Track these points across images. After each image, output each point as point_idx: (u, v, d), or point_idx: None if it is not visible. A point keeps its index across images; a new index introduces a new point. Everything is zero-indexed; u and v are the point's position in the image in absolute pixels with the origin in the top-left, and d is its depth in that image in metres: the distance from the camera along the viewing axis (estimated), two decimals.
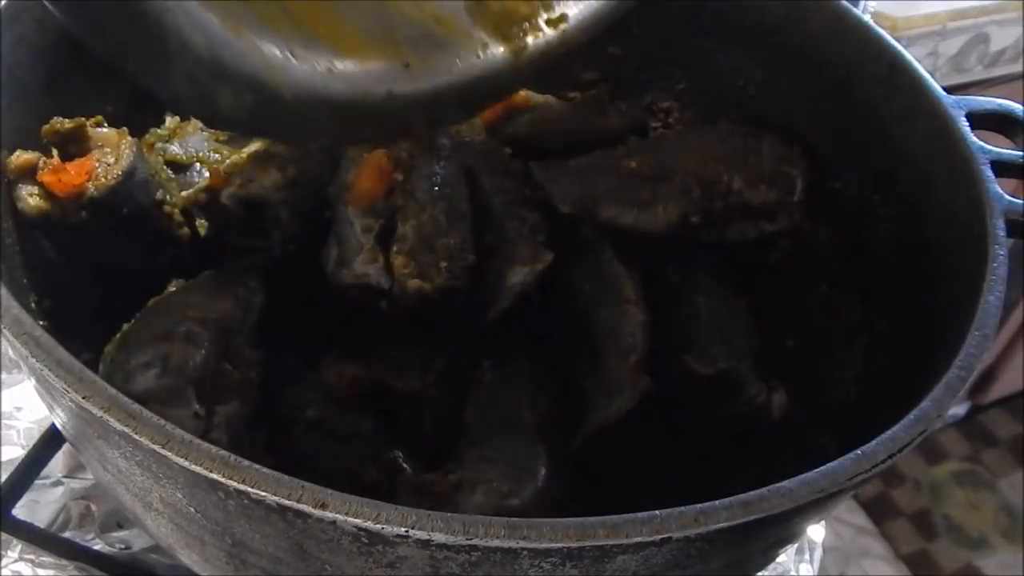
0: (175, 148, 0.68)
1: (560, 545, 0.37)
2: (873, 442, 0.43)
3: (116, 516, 0.68)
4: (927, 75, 0.63)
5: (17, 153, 0.56)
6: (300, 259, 0.64)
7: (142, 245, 0.61)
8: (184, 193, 0.64)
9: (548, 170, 0.68)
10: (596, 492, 0.57)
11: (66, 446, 0.70)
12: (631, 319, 0.62)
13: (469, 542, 0.36)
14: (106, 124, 0.60)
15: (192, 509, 0.42)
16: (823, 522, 0.79)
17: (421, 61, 0.50)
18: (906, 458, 0.44)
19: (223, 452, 0.38)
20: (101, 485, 0.63)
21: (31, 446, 0.70)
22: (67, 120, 0.57)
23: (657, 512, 0.38)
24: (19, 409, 0.75)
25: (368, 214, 0.60)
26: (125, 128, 0.61)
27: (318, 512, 0.36)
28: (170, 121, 0.70)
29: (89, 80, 0.64)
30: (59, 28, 0.61)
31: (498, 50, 0.52)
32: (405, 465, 0.56)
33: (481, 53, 0.52)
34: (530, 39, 0.53)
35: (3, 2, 0.57)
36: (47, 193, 0.56)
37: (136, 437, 0.38)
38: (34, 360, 0.41)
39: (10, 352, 0.74)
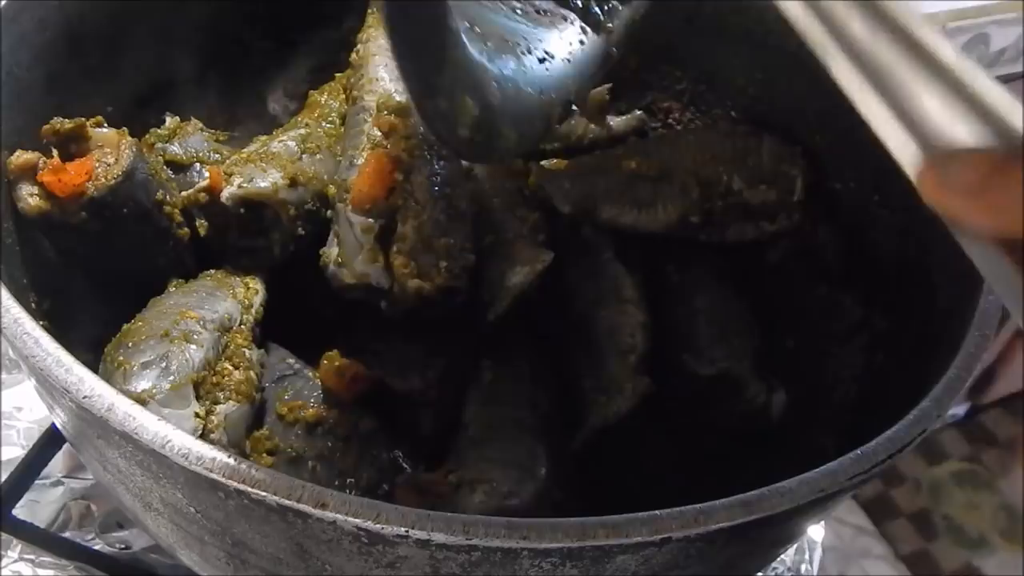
0: (175, 148, 0.68)
1: (560, 545, 0.37)
2: (873, 442, 0.43)
3: (116, 516, 0.68)
4: None
5: (17, 153, 0.56)
6: (300, 259, 0.64)
7: (142, 245, 0.61)
8: (184, 193, 0.64)
9: (548, 170, 0.68)
10: (596, 492, 0.57)
11: (66, 446, 0.70)
12: (631, 319, 0.62)
13: (469, 542, 0.36)
14: (106, 124, 0.60)
15: (192, 509, 0.42)
16: (823, 522, 0.79)
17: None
18: (906, 458, 0.44)
19: (223, 452, 0.38)
20: (101, 485, 0.63)
21: (31, 446, 0.70)
22: (67, 120, 0.57)
23: (657, 512, 0.38)
24: (19, 409, 0.75)
25: (368, 214, 0.60)
26: (125, 128, 0.61)
27: (318, 512, 0.36)
28: (170, 121, 0.70)
29: (89, 80, 0.64)
30: (59, 28, 0.61)
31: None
32: (405, 465, 0.56)
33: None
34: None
35: (3, 2, 0.57)
36: (47, 193, 0.56)
37: (136, 437, 0.38)
38: (34, 360, 0.41)
39: (10, 352, 0.74)
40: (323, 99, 0.73)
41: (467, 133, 0.43)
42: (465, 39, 0.42)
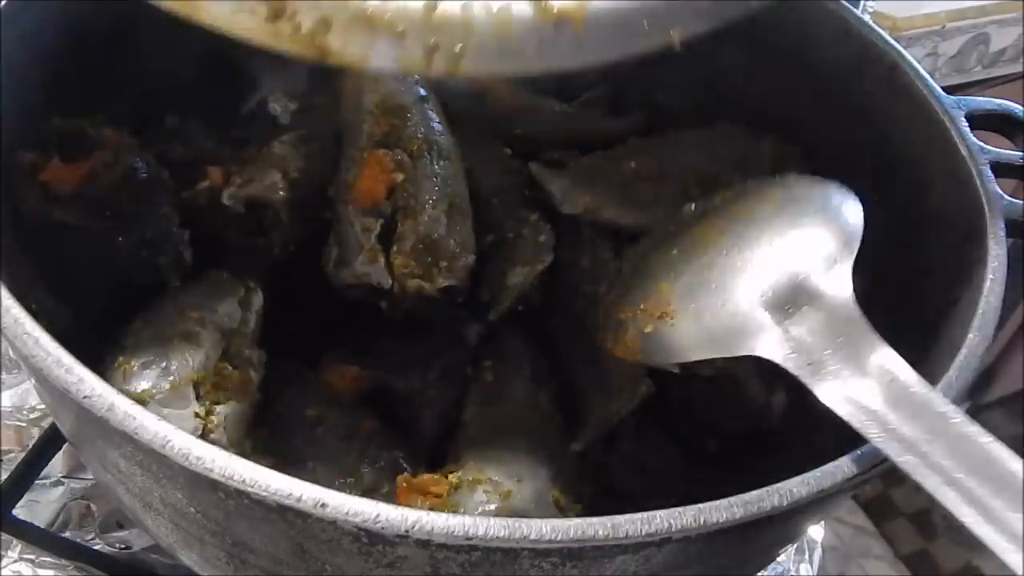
0: (175, 148, 0.68)
1: (560, 545, 0.37)
2: None
3: (116, 516, 0.68)
4: (927, 76, 0.63)
5: (17, 153, 0.56)
6: (300, 259, 0.64)
7: (142, 245, 0.61)
8: (184, 193, 0.64)
9: (548, 170, 0.68)
10: (596, 492, 0.57)
11: (66, 446, 0.70)
12: None
13: (469, 542, 0.36)
14: (106, 124, 0.60)
15: (192, 509, 0.42)
16: (823, 522, 0.79)
17: None
18: None
19: (223, 452, 0.38)
20: (101, 485, 0.63)
21: (31, 446, 0.70)
22: (67, 120, 0.57)
23: (657, 512, 0.38)
24: (19, 409, 0.75)
25: (368, 214, 0.60)
26: (125, 128, 0.61)
27: (318, 512, 0.36)
28: (170, 121, 0.70)
29: (89, 80, 0.64)
30: (59, 28, 0.61)
31: None
32: (405, 465, 0.56)
33: None
34: None
35: (3, 2, 0.57)
36: (47, 193, 0.56)
37: (136, 437, 0.38)
38: (34, 360, 0.41)
39: (10, 352, 0.74)
40: (323, 99, 0.73)
41: None
42: None
